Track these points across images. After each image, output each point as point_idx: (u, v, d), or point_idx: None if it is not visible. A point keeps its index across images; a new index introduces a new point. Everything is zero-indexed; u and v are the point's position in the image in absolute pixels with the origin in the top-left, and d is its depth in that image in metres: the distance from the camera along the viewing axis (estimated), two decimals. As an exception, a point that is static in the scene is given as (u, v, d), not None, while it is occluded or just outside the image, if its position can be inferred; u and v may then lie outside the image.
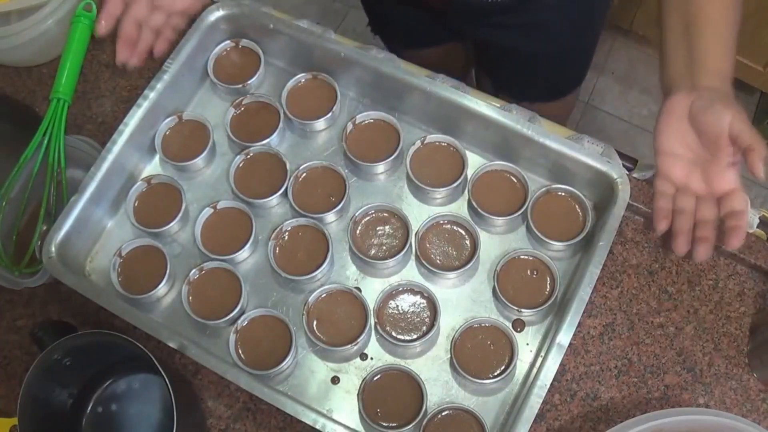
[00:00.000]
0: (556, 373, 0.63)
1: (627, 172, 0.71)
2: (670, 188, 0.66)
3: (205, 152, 0.76)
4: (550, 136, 0.70)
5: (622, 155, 0.76)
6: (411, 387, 0.67)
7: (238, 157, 0.76)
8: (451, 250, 0.72)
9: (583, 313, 0.65)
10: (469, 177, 0.74)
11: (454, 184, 0.73)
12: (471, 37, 1.01)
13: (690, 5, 0.70)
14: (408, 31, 1.05)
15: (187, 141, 0.77)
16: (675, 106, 0.68)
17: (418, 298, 0.71)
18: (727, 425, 0.61)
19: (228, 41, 0.80)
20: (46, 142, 0.77)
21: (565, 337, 0.64)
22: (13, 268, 0.75)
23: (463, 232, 0.72)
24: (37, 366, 0.64)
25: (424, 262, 0.71)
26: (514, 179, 0.74)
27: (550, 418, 0.69)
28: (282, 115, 0.77)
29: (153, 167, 0.78)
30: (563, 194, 0.73)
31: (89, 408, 0.72)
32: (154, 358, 0.62)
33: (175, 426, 0.60)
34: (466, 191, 0.74)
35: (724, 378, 0.70)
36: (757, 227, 0.76)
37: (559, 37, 0.93)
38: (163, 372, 0.62)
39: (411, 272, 0.73)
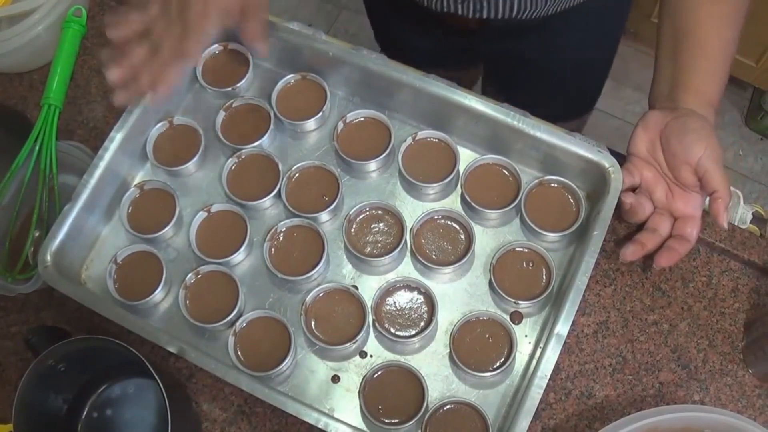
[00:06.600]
0: (551, 371, 0.62)
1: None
2: (637, 179, 0.68)
3: (197, 156, 0.76)
4: (541, 128, 0.70)
5: (614, 153, 0.76)
6: (411, 383, 0.67)
7: (230, 159, 0.75)
8: (446, 245, 0.72)
9: (577, 311, 0.64)
10: (461, 172, 0.73)
11: (447, 179, 0.73)
12: (492, 57, 0.97)
13: (679, 15, 0.68)
14: (419, 53, 0.97)
15: (178, 146, 0.77)
16: (651, 119, 0.69)
17: (415, 294, 0.70)
18: (722, 422, 0.60)
19: (216, 44, 0.80)
20: (37, 148, 0.77)
21: (563, 327, 0.64)
22: (7, 274, 0.74)
23: (458, 227, 0.72)
24: (32, 372, 0.63)
25: (419, 257, 0.71)
26: (507, 172, 0.73)
27: (545, 417, 0.69)
28: (272, 116, 0.77)
29: (145, 173, 0.78)
30: (556, 185, 0.72)
31: (84, 413, 0.72)
32: (148, 363, 0.62)
33: (169, 430, 0.60)
34: (458, 186, 0.73)
35: (719, 374, 0.70)
36: (751, 223, 0.76)
37: (581, 54, 0.91)
38: (157, 376, 0.61)
39: (407, 268, 0.73)
